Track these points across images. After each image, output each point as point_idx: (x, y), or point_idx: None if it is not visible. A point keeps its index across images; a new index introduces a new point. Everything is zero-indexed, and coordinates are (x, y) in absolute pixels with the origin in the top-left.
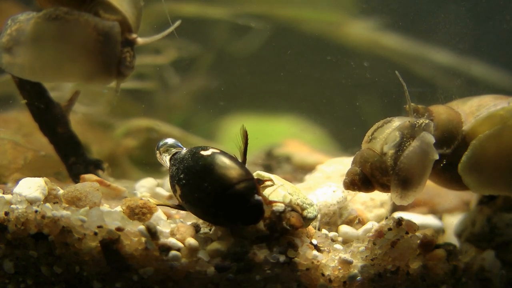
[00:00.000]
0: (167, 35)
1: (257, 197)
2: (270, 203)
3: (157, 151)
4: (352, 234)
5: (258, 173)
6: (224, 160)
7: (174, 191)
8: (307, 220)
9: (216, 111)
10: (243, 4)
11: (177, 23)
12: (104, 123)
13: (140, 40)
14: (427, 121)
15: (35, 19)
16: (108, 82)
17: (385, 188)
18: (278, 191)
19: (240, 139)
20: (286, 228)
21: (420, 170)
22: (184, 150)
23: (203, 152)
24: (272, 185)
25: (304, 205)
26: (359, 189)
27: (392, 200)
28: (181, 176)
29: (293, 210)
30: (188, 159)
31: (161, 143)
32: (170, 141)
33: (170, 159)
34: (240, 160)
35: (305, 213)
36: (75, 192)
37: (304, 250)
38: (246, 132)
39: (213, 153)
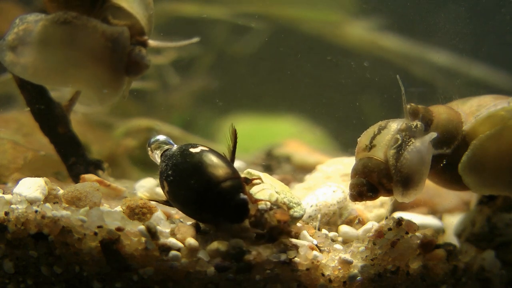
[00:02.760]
0: (167, 36)
1: (242, 195)
2: (256, 201)
3: (149, 148)
4: (352, 234)
5: (248, 171)
6: (212, 158)
7: (163, 187)
8: (293, 219)
9: (216, 111)
10: (243, 4)
11: (195, 39)
12: (104, 123)
13: (151, 42)
14: (419, 123)
15: (43, 21)
16: (117, 89)
17: (390, 192)
18: (265, 190)
19: (229, 137)
20: (274, 226)
21: (421, 167)
22: (175, 147)
23: (192, 150)
24: (260, 183)
25: (291, 204)
26: (367, 199)
27: (392, 200)
28: (169, 172)
29: (279, 208)
30: (177, 156)
31: (152, 139)
32: (161, 138)
33: (161, 156)
34: (228, 158)
35: (291, 212)
36: (75, 192)
37: (304, 250)
38: (235, 131)
39: (202, 151)
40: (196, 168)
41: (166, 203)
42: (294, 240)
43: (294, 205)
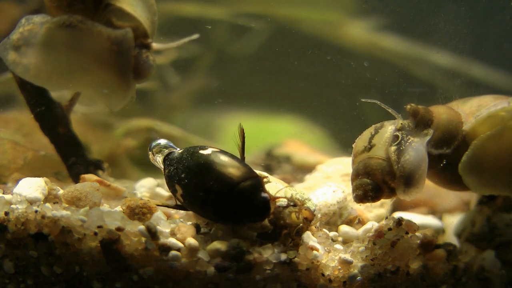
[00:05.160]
0: (167, 37)
1: (263, 194)
2: (275, 199)
3: (150, 152)
4: (352, 234)
5: None
6: (226, 159)
7: (174, 191)
8: None
9: (216, 111)
10: (243, 4)
11: (194, 36)
12: (104, 123)
13: (155, 45)
14: (410, 123)
15: (48, 24)
16: (127, 92)
17: (393, 192)
18: (278, 187)
19: (238, 137)
20: (296, 224)
21: (422, 163)
22: (179, 150)
23: (203, 151)
24: (267, 182)
25: (303, 199)
26: (372, 199)
27: (392, 200)
28: (182, 175)
29: (295, 204)
30: (187, 159)
31: (153, 144)
32: (162, 141)
33: (165, 160)
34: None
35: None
36: (75, 192)
37: (304, 250)
38: (243, 130)
39: (213, 152)
40: (213, 169)
41: (178, 207)
42: (310, 243)
43: (306, 200)
